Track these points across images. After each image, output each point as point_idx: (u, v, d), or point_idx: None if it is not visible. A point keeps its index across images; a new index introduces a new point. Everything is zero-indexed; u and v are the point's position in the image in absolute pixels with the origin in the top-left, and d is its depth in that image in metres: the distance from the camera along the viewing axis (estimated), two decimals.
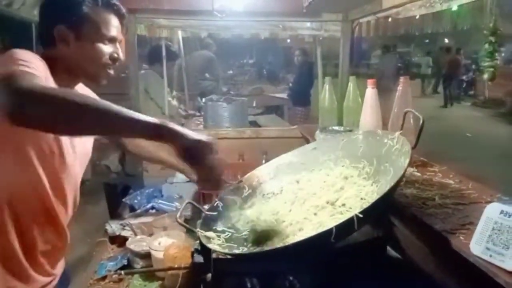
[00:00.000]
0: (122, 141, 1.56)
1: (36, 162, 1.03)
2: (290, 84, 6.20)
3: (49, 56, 1.04)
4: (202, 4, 2.01)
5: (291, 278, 1.11)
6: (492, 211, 0.74)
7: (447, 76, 12.18)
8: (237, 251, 0.99)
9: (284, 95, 6.24)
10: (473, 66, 13.59)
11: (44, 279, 1.14)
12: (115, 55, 1.12)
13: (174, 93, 3.55)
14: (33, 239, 1.08)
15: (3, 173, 1.01)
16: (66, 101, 0.78)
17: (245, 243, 1.05)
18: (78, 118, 0.78)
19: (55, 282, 1.20)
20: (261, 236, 1.02)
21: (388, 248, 1.16)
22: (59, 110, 0.77)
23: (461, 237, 0.82)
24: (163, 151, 1.64)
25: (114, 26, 1.11)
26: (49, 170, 1.07)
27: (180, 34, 3.35)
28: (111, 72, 1.14)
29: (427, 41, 17.24)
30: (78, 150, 1.19)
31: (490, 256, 0.71)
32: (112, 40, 1.11)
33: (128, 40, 2.03)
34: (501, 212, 0.72)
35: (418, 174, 1.27)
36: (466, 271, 0.78)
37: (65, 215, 1.16)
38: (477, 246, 0.74)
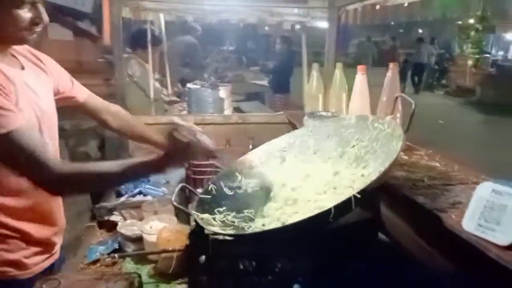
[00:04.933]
0: (105, 117, 1.49)
1: None
2: (271, 75, 6.21)
3: None
4: None
5: (283, 260, 1.14)
6: (484, 190, 0.78)
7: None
8: (237, 232, 1.01)
9: (264, 82, 6.24)
10: (447, 55, 13.94)
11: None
12: (37, 19, 1.06)
13: (156, 75, 3.48)
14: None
15: None
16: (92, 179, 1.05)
17: (242, 225, 1.07)
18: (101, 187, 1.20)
19: (56, 253, 1.28)
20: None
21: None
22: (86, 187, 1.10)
23: (453, 216, 0.86)
24: (149, 129, 1.59)
25: None
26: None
27: (162, 17, 3.28)
28: (36, 33, 1.10)
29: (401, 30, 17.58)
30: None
31: (483, 232, 0.75)
32: (32, 3, 1.05)
33: (112, 22, 1.99)
34: (493, 190, 0.76)
35: (406, 157, 1.31)
36: (457, 248, 0.83)
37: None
38: (469, 223, 0.78)
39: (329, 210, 0.84)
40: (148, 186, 1.86)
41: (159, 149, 1.61)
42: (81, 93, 1.42)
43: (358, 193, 0.86)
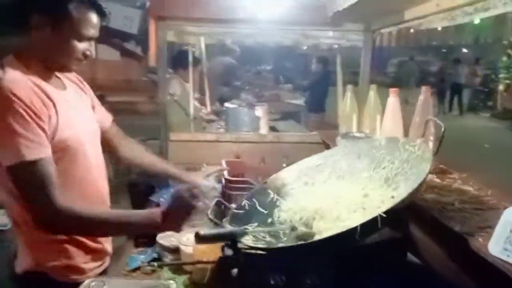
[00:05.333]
0: (120, 145, 1.51)
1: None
2: (307, 94, 6.30)
3: (23, 48, 1.13)
4: (229, 13, 2.10)
5: (313, 276, 1.17)
6: (511, 215, 0.79)
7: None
8: (267, 246, 1.06)
9: (300, 102, 6.30)
10: (492, 76, 13.43)
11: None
12: (88, 52, 1.17)
13: (196, 94, 3.64)
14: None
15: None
16: (89, 229, 1.15)
17: (273, 240, 1.12)
18: (95, 235, 1.24)
19: (107, 260, 1.38)
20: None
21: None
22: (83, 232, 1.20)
23: (480, 239, 0.87)
24: (160, 160, 1.65)
25: (93, 26, 1.15)
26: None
27: (202, 40, 3.46)
28: (82, 64, 1.21)
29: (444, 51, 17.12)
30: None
31: (508, 256, 0.76)
32: (88, 39, 1.17)
33: (158, 46, 2.14)
34: None
35: (438, 180, 1.32)
36: (483, 271, 0.84)
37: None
38: (495, 247, 0.80)
39: (355, 228, 0.88)
40: None
41: (177, 181, 1.62)
42: (107, 118, 1.51)
43: (384, 213, 0.89)
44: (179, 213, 1.15)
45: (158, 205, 1.95)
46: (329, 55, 6.29)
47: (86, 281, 1.01)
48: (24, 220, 1.16)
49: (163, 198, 1.98)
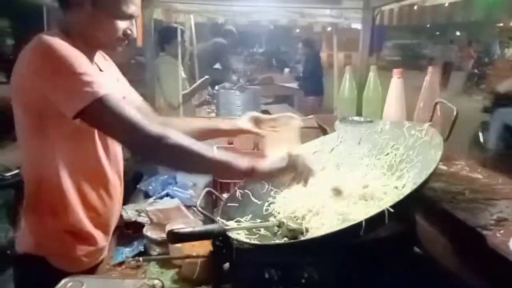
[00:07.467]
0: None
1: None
2: (301, 74, 6.17)
3: (67, 24, 1.09)
4: None
5: (310, 270, 1.09)
6: None
7: None
8: (261, 242, 0.97)
9: (294, 85, 6.17)
10: (486, 60, 13.38)
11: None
12: (129, 31, 1.14)
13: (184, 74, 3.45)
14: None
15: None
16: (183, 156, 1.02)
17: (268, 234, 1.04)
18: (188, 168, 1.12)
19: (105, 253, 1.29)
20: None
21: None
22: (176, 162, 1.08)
23: (498, 234, 0.79)
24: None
25: (133, 3, 1.11)
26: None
27: (192, 19, 3.29)
28: (124, 43, 1.16)
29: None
30: None
31: None
32: (129, 17, 1.13)
33: (144, 25, 2.00)
34: None
35: (444, 167, 1.23)
36: (502, 270, 0.76)
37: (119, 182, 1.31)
38: None
39: (360, 224, 0.79)
40: (176, 188, 1.86)
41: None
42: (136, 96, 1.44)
43: (392, 206, 0.80)
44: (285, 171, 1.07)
45: (146, 193, 1.86)
46: (320, 37, 6.17)
47: (63, 281, 0.91)
48: (33, 199, 1.13)
49: (151, 186, 1.89)
